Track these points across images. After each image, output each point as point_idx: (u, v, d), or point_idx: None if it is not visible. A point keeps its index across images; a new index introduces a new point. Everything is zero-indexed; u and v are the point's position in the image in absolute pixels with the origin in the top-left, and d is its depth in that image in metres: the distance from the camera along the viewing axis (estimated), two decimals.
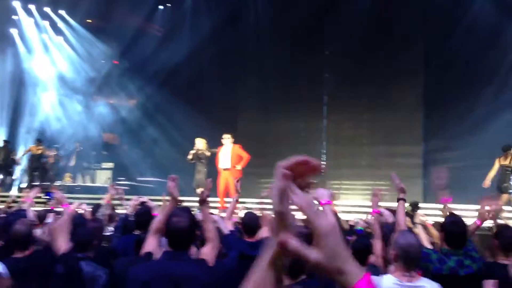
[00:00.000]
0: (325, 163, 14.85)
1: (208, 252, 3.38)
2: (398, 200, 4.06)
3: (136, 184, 15.11)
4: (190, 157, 11.40)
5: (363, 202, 11.51)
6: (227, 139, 11.14)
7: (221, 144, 11.23)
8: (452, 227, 3.53)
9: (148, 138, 16.55)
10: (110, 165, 15.45)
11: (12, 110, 16.40)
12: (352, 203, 12.14)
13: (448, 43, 13.07)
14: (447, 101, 13.37)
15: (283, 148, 15.07)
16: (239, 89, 16.13)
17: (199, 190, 10.88)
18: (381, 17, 14.35)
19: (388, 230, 4.21)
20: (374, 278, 3.16)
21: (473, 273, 3.36)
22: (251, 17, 15.85)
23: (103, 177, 15.11)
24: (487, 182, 10.69)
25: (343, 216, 7.80)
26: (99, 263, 3.77)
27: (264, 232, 4.99)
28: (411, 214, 7.63)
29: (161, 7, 17.07)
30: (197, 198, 11.19)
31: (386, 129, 14.51)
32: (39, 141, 14.84)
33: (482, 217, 4.35)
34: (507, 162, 10.66)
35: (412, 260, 2.98)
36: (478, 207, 10.27)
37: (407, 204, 8.93)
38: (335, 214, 4.94)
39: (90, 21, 17.21)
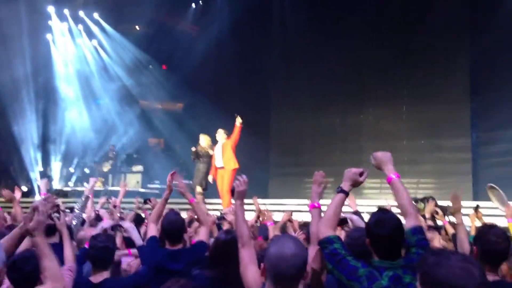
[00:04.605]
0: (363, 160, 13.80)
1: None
2: (338, 191, 2.67)
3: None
4: (192, 156, 10.26)
5: None
6: (220, 134, 9.86)
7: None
8: (377, 229, 2.36)
9: (177, 141, 16.05)
10: (140, 168, 15.03)
11: (42, 116, 16.33)
12: (395, 203, 11.02)
13: (493, 21, 11.62)
14: (496, 86, 11.97)
15: (318, 146, 14.30)
16: (270, 87, 15.48)
17: (198, 189, 10.07)
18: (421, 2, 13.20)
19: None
20: None
21: None
22: (275, 11, 15.00)
23: (133, 181, 14.71)
24: None
25: None
26: None
27: (201, 235, 4.13)
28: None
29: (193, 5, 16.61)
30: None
31: (428, 121, 13.26)
32: None
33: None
34: None
35: (283, 279, 1.97)
36: None
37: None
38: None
39: (138, 28, 16.93)
